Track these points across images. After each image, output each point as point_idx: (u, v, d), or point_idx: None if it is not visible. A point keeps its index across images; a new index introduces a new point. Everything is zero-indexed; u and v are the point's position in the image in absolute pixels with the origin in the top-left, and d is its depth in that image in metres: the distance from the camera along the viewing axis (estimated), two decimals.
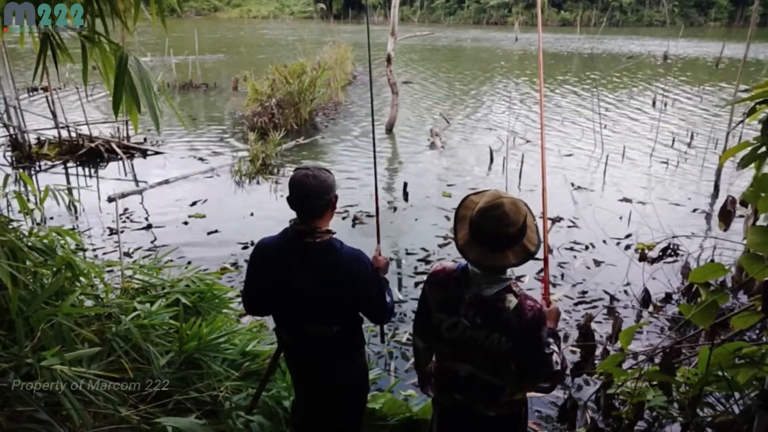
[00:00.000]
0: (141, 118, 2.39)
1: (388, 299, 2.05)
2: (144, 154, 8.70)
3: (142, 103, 2.18)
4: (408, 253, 5.35)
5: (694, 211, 6.56)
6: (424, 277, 5.18)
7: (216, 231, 5.82)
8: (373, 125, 2.55)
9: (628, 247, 5.43)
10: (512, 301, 1.68)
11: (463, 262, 1.80)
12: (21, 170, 7.34)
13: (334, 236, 1.98)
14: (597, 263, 5.16)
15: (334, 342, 2.05)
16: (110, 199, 6.60)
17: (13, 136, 8.14)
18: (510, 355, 1.73)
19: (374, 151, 2.42)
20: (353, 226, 6.00)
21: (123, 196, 6.73)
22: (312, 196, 1.87)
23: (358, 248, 2.01)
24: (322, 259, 1.93)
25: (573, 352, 3.69)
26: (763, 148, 1.77)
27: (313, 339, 2.04)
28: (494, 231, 1.63)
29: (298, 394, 2.34)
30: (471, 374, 1.83)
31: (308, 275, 1.93)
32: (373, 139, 2.56)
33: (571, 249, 5.47)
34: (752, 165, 1.82)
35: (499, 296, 1.69)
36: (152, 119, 2.17)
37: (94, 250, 5.23)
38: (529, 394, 1.99)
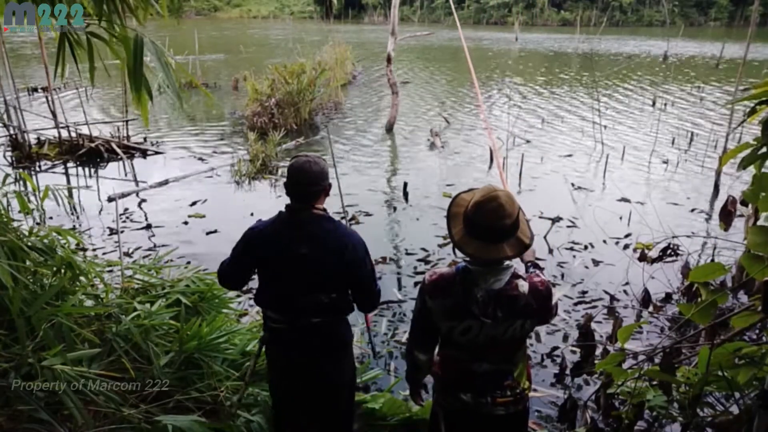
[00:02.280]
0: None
1: (377, 286, 2.14)
2: (144, 154, 8.70)
3: (164, 83, 2.20)
4: (408, 253, 5.35)
5: (693, 210, 6.56)
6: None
7: (215, 231, 5.82)
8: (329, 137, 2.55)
9: (626, 246, 5.43)
10: (524, 285, 1.73)
11: (460, 264, 1.80)
12: (21, 170, 7.33)
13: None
14: (596, 263, 5.16)
15: (324, 334, 2.06)
16: (110, 199, 6.60)
17: (13, 136, 8.14)
18: (527, 335, 1.83)
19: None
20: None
21: (123, 196, 6.73)
22: (311, 182, 2.00)
23: (355, 232, 2.11)
24: (316, 227, 2.03)
25: (573, 352, 3.70)
26: (764, 149, 1.77)
27: (303, 322, 2.04)
28: (491, 223, 1.65)
29: (283, 396, 2.28)
30: (492, 370, 1.84)
31: (302, 241, 2.01)
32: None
33: (571, 249, 5.47)
34: (752, 165, 1.82)
35: (510, 285, 1.71)
36: (174, 97, 2.19)
37: (94, 249, 5.24)
38: (531, 394, 1.99)
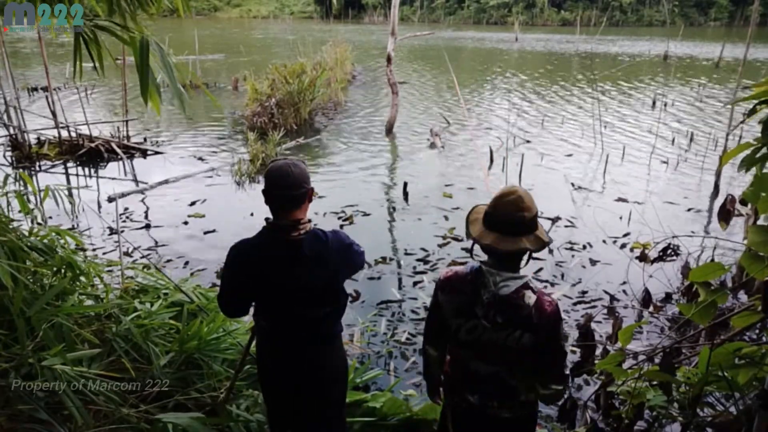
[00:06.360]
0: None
1: (360, 249, 2.07)
2: (144, 154, 8.69)
3: (168, 87, 2.20)
4: (407, 253, 5.34)
5: (689, 210, 6.56)
6: (424, 277, 5.12)
7: (213, 231, 5.81)
8: None
9: (623, 246, 5.43)
10: (531, 297, 1.72)
11: (475, 264, 1.81)
12: (21, 170, 7.33)
13: (315, 226, 1.97)
14: (593, 262, 5.16)
15: (317, 329, 2.02)
16: (110, 199, 6.60)
17: (13, 136, 8.14)
18: (529, 352, 1.75)
19: None
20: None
21: (123, 196, 6.73)
22: (294, 185, 1.85)
23: (337, 230, 2.01)
24: (311, 251, 1.90)
25: (573, 352, 3.70)
26: (764, 150, 1.77)
27: (297, 325, 2.00)
28: (510, 215, 1.67)
29: (272, 393, 2.19)
30: (492, 373, 1.83)
31: (300, 269, 1.90)
32: None
33: (570, 249, 5.47)
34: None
35: (517, 293, 1.71)
36: (177, 103, 2.18)
37: (93, 249, 5.24)
38: None
